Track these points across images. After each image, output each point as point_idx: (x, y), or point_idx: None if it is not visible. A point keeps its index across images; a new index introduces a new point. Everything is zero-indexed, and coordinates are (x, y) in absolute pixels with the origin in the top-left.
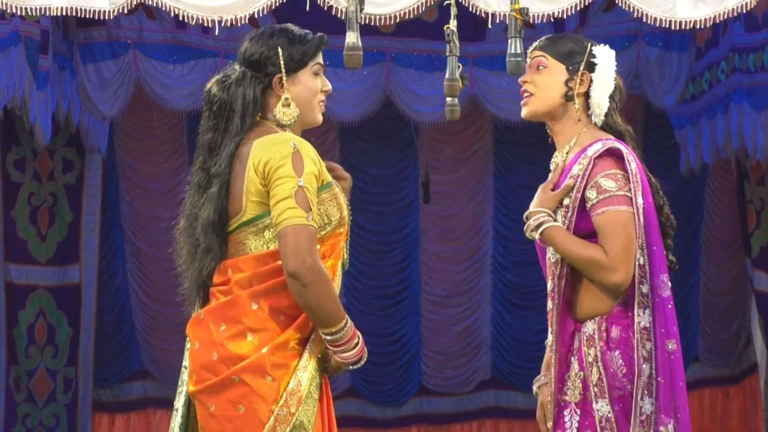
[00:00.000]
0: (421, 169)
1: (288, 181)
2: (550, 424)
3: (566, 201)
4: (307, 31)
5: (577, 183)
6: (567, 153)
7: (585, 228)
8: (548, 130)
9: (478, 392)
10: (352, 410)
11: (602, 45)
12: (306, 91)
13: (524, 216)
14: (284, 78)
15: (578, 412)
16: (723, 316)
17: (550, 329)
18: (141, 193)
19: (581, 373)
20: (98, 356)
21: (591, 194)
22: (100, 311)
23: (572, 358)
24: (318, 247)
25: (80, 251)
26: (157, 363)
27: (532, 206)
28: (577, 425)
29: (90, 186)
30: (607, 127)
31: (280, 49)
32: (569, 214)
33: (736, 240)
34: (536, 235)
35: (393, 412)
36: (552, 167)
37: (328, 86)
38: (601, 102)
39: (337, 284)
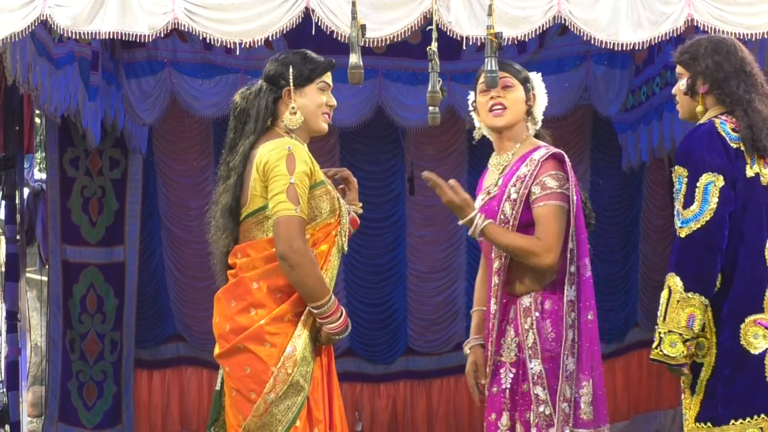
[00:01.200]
0: (407, 166)
1: (281, 178)
2: (483, 381)
3: (514, 195)
4: (320, 56)
5: (525, 181)
6: (513, 155)
7: (528, 218)
8: (496, 136)
9: (455, 352)
10: (350, 367)
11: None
12: (311, 103)
13: (463, 224)
14: (292, 90)
15: (512, 370)
16: (658, 288)
17: (494, 300)
18: (174, 186)
19: (516, 338)
20: (139, 322)
21: (536, 190)
22: (140, 285)
23: (508, 326)
24: (310, 234)
25: (124, 235)
26: (188, 328)
27: (465, 219)
28: (511, 380)
29: (132, 180)
30: (540, 134)
31: (291, 67)
32: (517, 206)
33: (669, 225)
34: (477, 236)
35: (384, 368)
36: (493, 166)
37: (333, 102)
38: (540, 116)
39: (334, 266)
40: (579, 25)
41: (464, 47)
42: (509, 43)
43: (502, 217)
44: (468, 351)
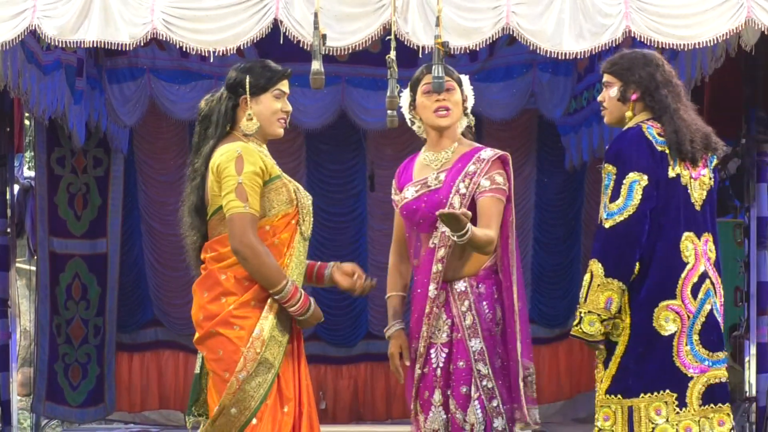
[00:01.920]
0: (368, 165)
1: (231, 179)
2: (407, 363)
3: (463, 190)
4: (277, 65)
5: (473, 178)
6: (452, 152)
7: (473, 211)
8: (435, 134)
9: None
10: (315, 350)
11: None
12: (266, 110)
13: (458, 235)
14: (248, 98)
15: (444, 350)
16: None
17: (434, 285)
18: (153, 183)
19: (449, 320)
20: (120, 309)
21: (485, 183)
22: (122, 274)
23: (438, 310)
24: (270, 225)
25: (107, 228)
26: (165, 314)
27: (462, 230)
28: (443, 359)
29: (114, 178)
30: (463, 132)
31: (249, 76)
32: (465, 200)
33: None
34: (465, 241)
35: (346, 351)
36: (429, 161)
37: (288, 108)
38: (470, 114)
39: (299, 252)
40: (526, 36)
41: (420, 55)
42: (462, 51)
43: (450, 208)
44: (389, 335)
